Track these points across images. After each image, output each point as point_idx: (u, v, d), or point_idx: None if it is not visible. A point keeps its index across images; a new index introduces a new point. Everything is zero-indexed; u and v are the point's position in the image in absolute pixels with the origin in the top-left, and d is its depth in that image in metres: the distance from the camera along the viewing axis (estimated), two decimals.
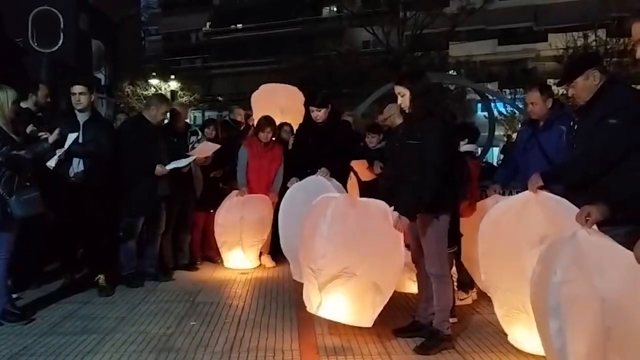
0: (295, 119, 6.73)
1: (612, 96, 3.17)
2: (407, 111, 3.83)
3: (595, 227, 2.75)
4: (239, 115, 7.54)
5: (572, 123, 3.50)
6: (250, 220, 5.94)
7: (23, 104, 5.27)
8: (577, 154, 3.32)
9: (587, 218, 2.72)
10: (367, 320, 3.83)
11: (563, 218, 3.19)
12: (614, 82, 3.30)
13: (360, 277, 3.76)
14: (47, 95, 5.43)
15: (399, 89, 3.83)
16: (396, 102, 3.97)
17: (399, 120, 5.96)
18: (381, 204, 3.87)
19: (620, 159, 3.04)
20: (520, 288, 3.27)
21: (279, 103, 7.01)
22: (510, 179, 4.70)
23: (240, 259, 6.15)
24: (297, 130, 6.01)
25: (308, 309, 3.99)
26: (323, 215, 3.87)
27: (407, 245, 4.14)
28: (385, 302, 3.85)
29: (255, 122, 7.00)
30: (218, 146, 5.97)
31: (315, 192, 4.57)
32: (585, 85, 3.23)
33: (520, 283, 3.28)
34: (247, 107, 7.58)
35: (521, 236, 3.47)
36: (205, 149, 5.83)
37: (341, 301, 3.84)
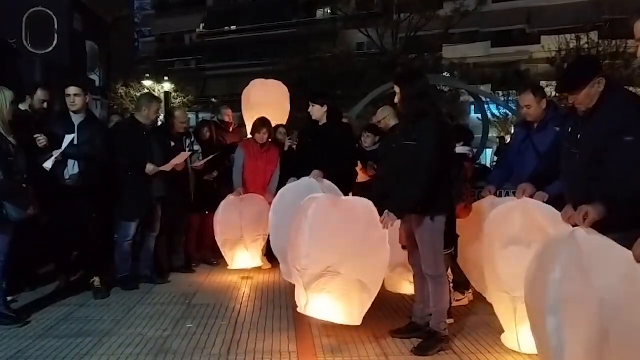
0: (273, 118, 6.70)
1: (618, 106, 3.05)
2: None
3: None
4: (226, 115, 7.51)
5: (569, 128, 3.42)
6: (250, 214, 5.91)
7: (22, 106, 5.26)
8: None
9: (585, 218, 2.73)
10: (355, 318, 3.84)
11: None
12: (614, 87, 3.18)
13: (344, 275, 3.77)
14: (43, 101, 5.39)
15: (395, 88, 3.88)
16: (390, 103, 4.00)
17: (393, 122, 6.00)
18: (365, 201, 3.88)
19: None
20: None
21: (254, 101, 7.08)
22: (504, 180, 4.72)
23: (244, 258, 6.08)
24: (300, 130, 6.04)
25: (298, 309, 4.00)
26: (305, 215, 3.89)
27: (403, 247, 4.16)
28: (373, 300, 3.86)
29: (245, 121, 7.05)
30: (188, 154, 5.91)
31: (305, 194, 4.57)
32: (590, 93, 3.11)
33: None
34: (241, 109, 7.55)
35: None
36: (179, 158, 5.70)
37: (328, 300, 3.84)
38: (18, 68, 6.93)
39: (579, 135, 3.19)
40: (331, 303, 3.84)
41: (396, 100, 3.89)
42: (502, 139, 19.22)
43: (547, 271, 2.69)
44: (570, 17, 23.74)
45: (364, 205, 3.86)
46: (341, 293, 3.81)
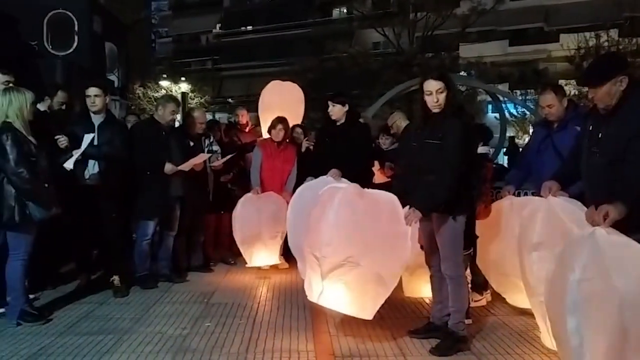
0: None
1: None
2: (435, 110, 3.73)
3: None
4: (241, 116, 7.55)
5: (590, 126, 3.37)
6: (268, 211, 5.91)
7: (40, 107, 5.33)
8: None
9: (605, 217, 2.71)
10: (368, 312, 3.82)
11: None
12: (637, 86, 3.12)
13: (364, 267, 3.73)
14: (62, 103, 5.47)
15: (438, 85, 3.68)
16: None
17: (403, 123, 6.00)
18: (390, 196, 3.85)
19: None
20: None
21: (267, 102, 7.13)
22: (523, 180, 4.68)
23: (262, 255, 6.05)
24: (318, 129, 6.05)
25: (309, 298, 4.00)
26: (331, 202, 3.86)
27: (422, 246, 4.14)
28: (388, 295, 3.84)
29: (261, 121, 7.10)
30: (207, 156, 5.95)
31: None
32: (611, 91, 3.06)
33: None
34: (257, 109, 7.57)
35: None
36: (198, 159, 5.76)
37: (343, 291, 3.81)
38: (39, 69, 7.03)
39: (600, 134, 3.15)
40: (346, 294, 3.81)
41: (433, 98, 3.71)
42: (512, 138, 19.03)
43: (567, 271, 2.68)
44: (589, 15, 23.44)
45: (389, 200, 3.84)
46: (358, 285, 3.78)
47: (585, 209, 3.26)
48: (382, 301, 3.84)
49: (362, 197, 3.89)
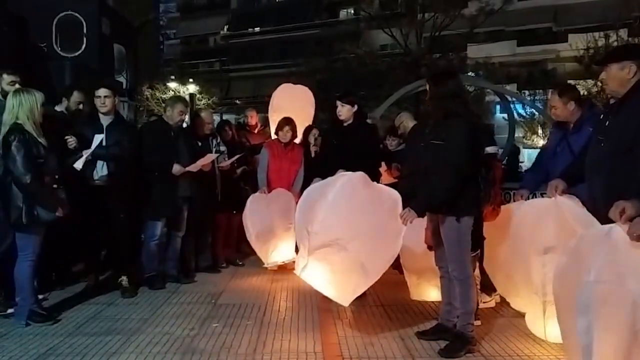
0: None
1: None
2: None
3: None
4: (251, 117, 7.55)
5: (601, 115, 3.33)
6: (278, 205, 5.91)
7: (58, 107, 5.36)
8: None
9: (621, 214, 2.67)
10: (345, 299, 3.84)
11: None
12: None
13: (349, 253, 3.75)
14: (79, 102, 5.49)
15: (427, 87, 3.88)
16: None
17: (410, 123, 5.99)
18: (394, 192, 3.87)
19: None
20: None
21: (277, 104, 7.12)
22: (539, 183, 4.61)
23: (279, 250, 6.00)
24: (325, 130, 6.06)
25: (295, 272, 4.03)
26: (333, 184, 3.93)
27: (429, 247, 4.12)
28: (368, 287, 3.86)
29: (270, 123, 7.11)
30: (215, 156, 5.95)
31: None
32: (617, 76, 3.05)
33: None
34: (266, 110, 7.59)
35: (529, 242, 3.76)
36: (206, 159, 5.76)
37: (325, 271, 3.84)
38: (48, 71, 7.05)
39: (607, 122, 3.14)
40: (328, 275, 3.84)
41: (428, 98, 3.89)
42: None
43: (581, 271, 2.66)
44: (598, 15, 23.29)
45: (391, 196, 3.85)
46: (341, 268, 3.81)
47: (582, 205, 3.29)
48: (361, 292, 3.88)
49: (365, 187, 3.94)
